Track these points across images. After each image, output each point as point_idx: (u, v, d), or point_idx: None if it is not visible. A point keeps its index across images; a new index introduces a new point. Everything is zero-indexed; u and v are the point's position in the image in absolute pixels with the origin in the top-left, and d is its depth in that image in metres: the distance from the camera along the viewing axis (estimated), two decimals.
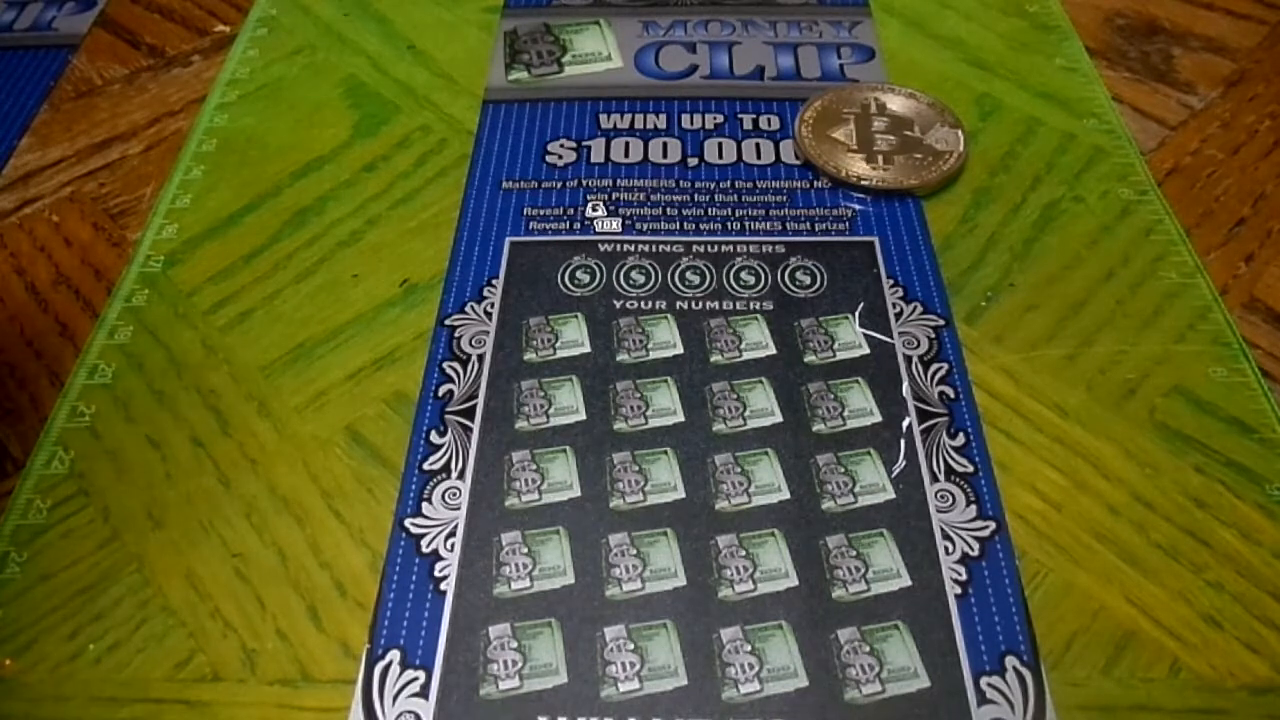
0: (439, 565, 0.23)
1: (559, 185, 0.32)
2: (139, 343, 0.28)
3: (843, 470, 0.24)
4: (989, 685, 0.21)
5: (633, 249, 0.30)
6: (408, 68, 0.37)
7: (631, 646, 0.22)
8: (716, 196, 0.31)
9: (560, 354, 0.27)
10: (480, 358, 0.27)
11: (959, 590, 0.22)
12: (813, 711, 0.21)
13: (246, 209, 0.32)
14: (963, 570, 0.23)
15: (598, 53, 0.37)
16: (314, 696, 0.21)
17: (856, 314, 0.28)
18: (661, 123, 0.34)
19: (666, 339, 0.27)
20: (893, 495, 0.24)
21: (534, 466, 0.25)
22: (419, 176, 0.33)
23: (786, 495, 0.24)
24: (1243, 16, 0.39)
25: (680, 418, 0.26)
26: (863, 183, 0.31)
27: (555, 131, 0.34)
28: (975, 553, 0.23)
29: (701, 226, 0.30)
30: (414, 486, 0.24)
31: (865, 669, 0.21)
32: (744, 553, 0.23)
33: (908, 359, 0.27)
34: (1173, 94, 0.35)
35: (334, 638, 0.22)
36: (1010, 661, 0.21)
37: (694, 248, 0.30)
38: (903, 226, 0.30)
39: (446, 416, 0.26)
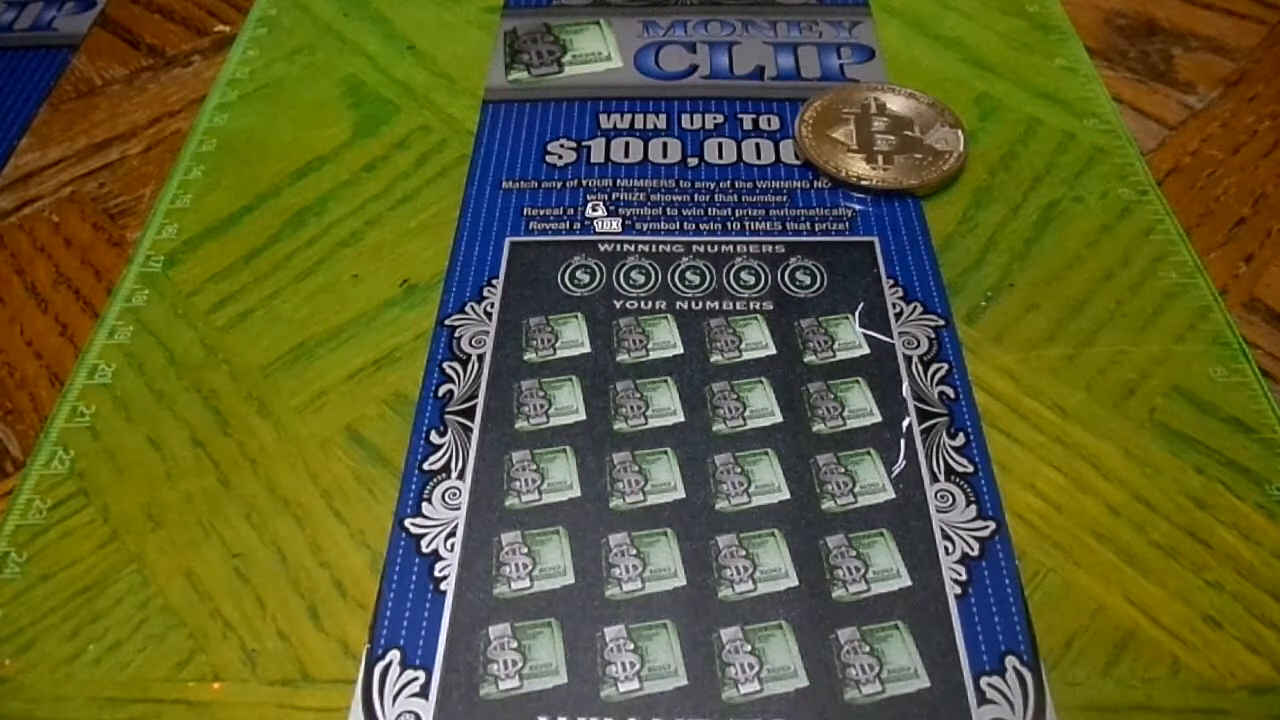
0: (439, 565, 0.23)
1: (559, 185, 0.32)
2: (139, 343, 0.28)
3: (843, 470, 0.24)
4: (989, 685, 0.21)
5: (633, 249, 0.30)
6: (408, 68, 0.37)
7: (631, 646, 0.22)
8: (716, 196, 0.31)
9: (560, 354, 0.27)
10: (480, 358, 0.27)
11: (959, 590, 0.22)
12: (813, 711, 0.21)
13: (246, 209, 0.32)
14: (963, 570, 0.23)
15: (598, 53, 0.37)
16: (314, 696, 0.21)
17: (856, 314, 0.28)
18: (661, 123, 0.34)
19: (666, 339, 0.27)
20: (893, 495, 0.24)
21: (534, 466, 0.25)
22: (419, 176, 0.33)
23: (786, 495, 0.24)
24: (1243, 16, 0.39)
25: (680, 418, 0.26)
26: (863, 183, 0.31)
27: (555, 131, 0.34)
28: (975, 553, 0.23)
29: (701, 226, 0.30)
30: (414, 486, 0.24)
31: (865, 669, 0.21)
32: (744, 553, 0.23)
33: (908, 359, 0.27)
34: (1173, 94, 0.35)
35: (334, 638, 0.22)
36: (1010, 661, 0.21)
37: (694, 248, 0.30)
38: (903, 226, 0.30)
39: (446, 416, 0.26)
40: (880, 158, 0.32)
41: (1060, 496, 0.24)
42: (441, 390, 0.26)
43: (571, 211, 0.31)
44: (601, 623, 0.22)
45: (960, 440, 0.25)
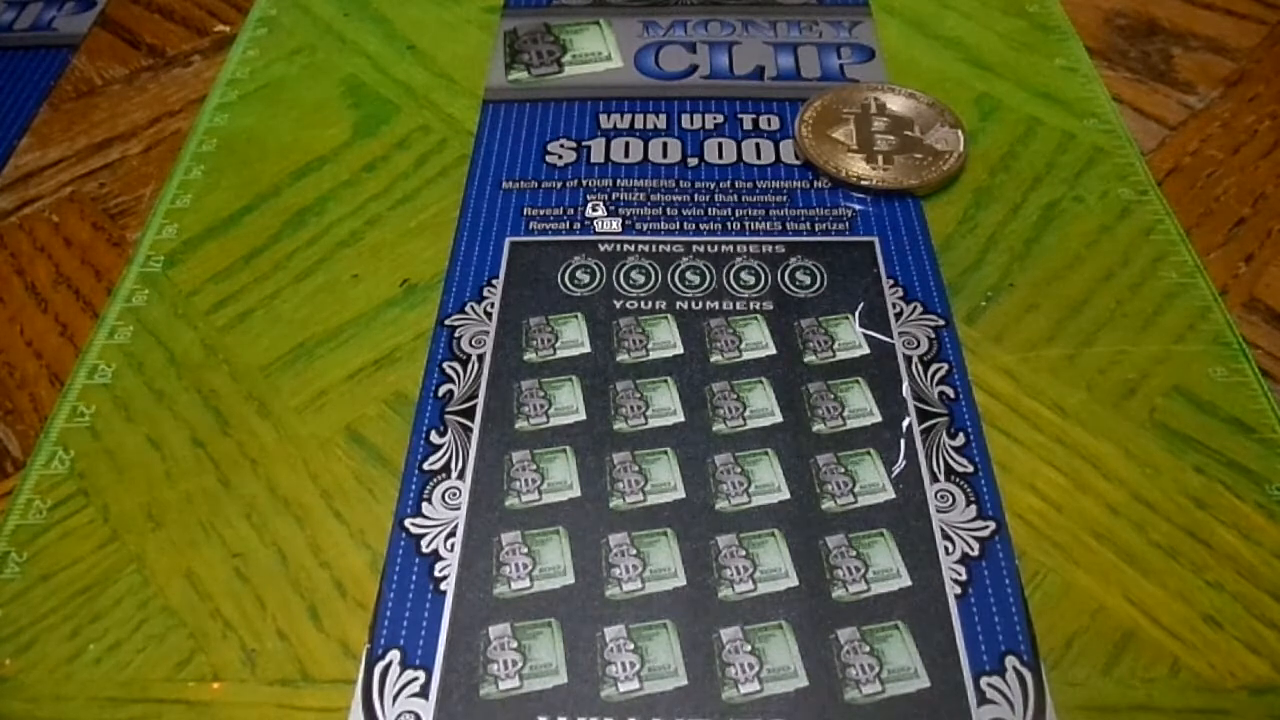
0: (439, 565, 0.23)
1: (559, 185, 0.32)
2: (139, 343, 0.28)
3: (843, 470, 0.24)
4: (989, 685, 0.21)
5: (633, 249, 0.30)
6: (408, 68, 0.37)
7: (631, 646, 0.22)
8: (716, 196, 0.31)
9: (560, 354, 0.27)
10: (480, 358, 0.27)
11: (959, 590, 0.22)
12: (813, 711, 0.21)
13: (246, 209, 0.32)
14: (963, 570, 0.23)
15: (598, 53, 0.37)
16: (314, 696, 0.21)
17: (856, 314, 0.28)
18: (661, 123, 0.34)
19: (666, 339, 0.27)
20: (893, 495, 0.24)
21: (534, 466, 0.25)
22: (419, 176, 0.33)
23: (786, 495, 0.24)
24: (1243, 16, 0.39)
25: (680, 418, 0.26)
26: (863, 183, 0.31)
27: (555, 131, 0.34)
28: (975, 553, 0.23)
29: (701, 226, 0.30)
30: (414, 486, 0.24)
31: (865, 669, 0.21)
32: (744, 553, 0.23)
33: (908, 359, 0.27)
34: (1173, 94, 0.35)
35: (334, 638, 0.22)
36: (1010, 661, 0.21)
37: (694, 248, 0.30)
38: (903, 226, 0.30)
39: (446, 416, 0.26)
40: (880, 158, 0.32)
41: (1060, 496, 0.24)
42: (441, 390, 0.26)
43: (571, 211, 0.31)
44: (601, 623, 0.22)
45: (960, 440, 0.25)
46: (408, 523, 0.24)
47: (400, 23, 0.39)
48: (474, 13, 0.40)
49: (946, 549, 0.23)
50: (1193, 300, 0.28)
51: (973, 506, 0.24)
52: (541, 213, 0.31)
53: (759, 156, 0.33)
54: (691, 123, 0.34)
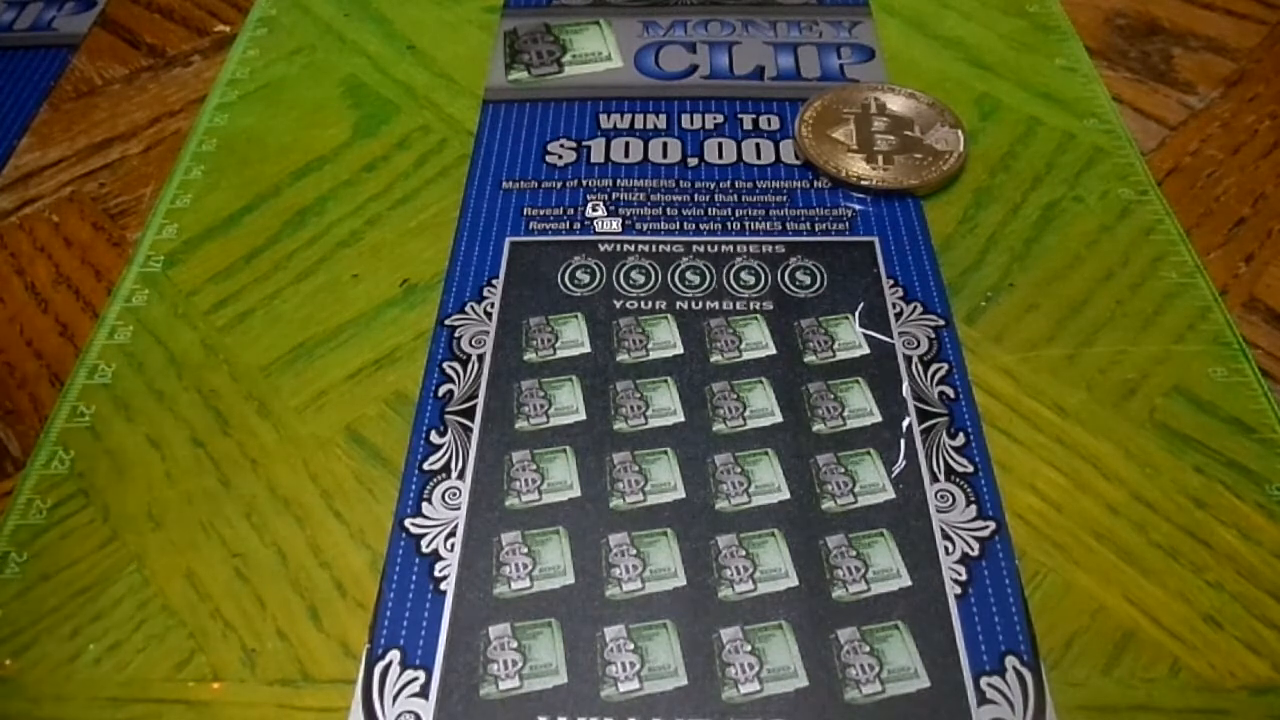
0: (439, 565, 0.23)
1: (559, 185, 0.32)
2: (139, 343, 0.28)
3: (843, 470, 0.24)
4: (989, 685, 0.21)
5: (633, 249, 0.30)
6: (408, 68, 0.37)
7: (631, 646, 0.22)
8: (716, 196, 0.31)
9: (560, 354, 0.27)
10: (480, 358, 0.27)
11: (959, 590, 0.22)
12: (813, 711, 0.21)
13: (246, 209, 0.32)
14: (963, 570, 0.23)
15: (598, 53, 0.37)
16: (314, 696, 0.21)
17: (856, 314, 0.28)
18: (661, 123, 0.34)
19: (666, 339, 0.27)
20: (893, 495, 0.24)
21: (534, 466, 0.25)
22: (419, 176, 0.33)
23: (786, 495, 0.24)
24: (1243, 16, 0.39)
25: (680, 418, 0.26)
26: (863, 183, 0.31)
27: (555, 131, 0.34)
28: (975, 553, 0.23)
29: (701, 226, 0.30)
30: (414, 486, 0.24)
31: (865, 669, 0.21)
32: (744, 553, 0.23)
33: (908, 359, 0.27)
34: (1173, 94, 0.35)
35: (334, 638, 0.22)
36: (1010, 661, 0.21)
37: (694, 248, 0.30)
38: (903, 226, 0.30)
39: (446, 416, 0.26)
40: (880, 158, 0.32)
41: (1060, 496, 0.24)
42: (441, 390, 0.26)
43: (571, 211, 0.31)
44: (601, 623, 0.22)
45: (960, 440, 0.25)
46: (408, 523, 0.24)
47: (400, 23, 0.39)
48: (474, 13, 0.40)
49: (946, 549, 0.23)
50: (1193, 300, 0.28)
51: (973, 506, 0.24)
52: (541, 213, 0.31)
53: (759, 156, 0.33)
54: (691, 123, 0.34)
